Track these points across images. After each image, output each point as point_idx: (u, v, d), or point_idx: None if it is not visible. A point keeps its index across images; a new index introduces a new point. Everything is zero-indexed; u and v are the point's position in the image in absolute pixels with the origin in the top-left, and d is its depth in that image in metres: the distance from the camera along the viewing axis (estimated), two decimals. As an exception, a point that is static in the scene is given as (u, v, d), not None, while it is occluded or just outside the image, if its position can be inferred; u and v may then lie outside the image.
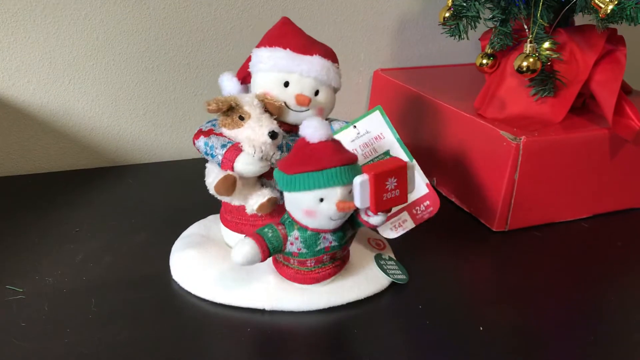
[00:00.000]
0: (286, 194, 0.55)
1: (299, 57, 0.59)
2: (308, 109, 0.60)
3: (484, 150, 0.75)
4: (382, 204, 0.53)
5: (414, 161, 0.63)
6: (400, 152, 0.63)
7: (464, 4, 0.76)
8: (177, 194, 0.78)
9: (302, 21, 0.92)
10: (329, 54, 0.61)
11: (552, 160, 0.73)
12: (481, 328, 0.57)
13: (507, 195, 0.72)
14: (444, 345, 0.55)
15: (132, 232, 0.69)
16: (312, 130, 0.53)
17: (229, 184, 0.56)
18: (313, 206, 0.53)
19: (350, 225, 0.58)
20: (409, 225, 0.63)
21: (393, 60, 1.01)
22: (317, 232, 0.55)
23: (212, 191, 0.58)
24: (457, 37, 0.78)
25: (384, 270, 0.62)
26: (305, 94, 0.59)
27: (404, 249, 0.67)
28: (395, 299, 0.61)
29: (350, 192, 0.53)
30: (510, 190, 0.72)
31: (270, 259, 0.60)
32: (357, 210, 0.56)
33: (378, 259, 0.63)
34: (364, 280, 0.61)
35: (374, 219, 0.56)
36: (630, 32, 0.82)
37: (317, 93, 0.60)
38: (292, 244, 0.56)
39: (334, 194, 0.53)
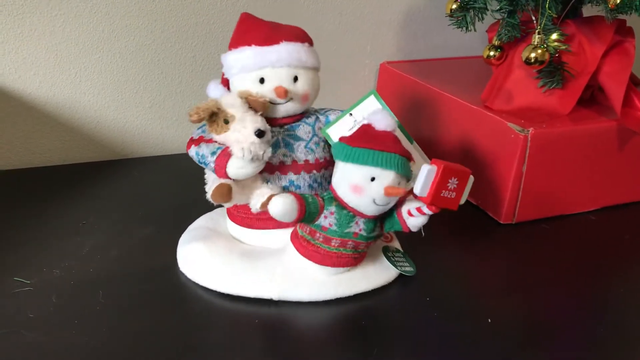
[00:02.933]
0: (340, 165, 0.56)
1: (265, 50, 0.58)
2: (291, 99, 0.59)
3: (491, 143, 0.74)
4: (438, 199, 0.54)
5: (415, 144, 0.63)
6: (400, 136, 0.63)
7: (471, -4, 0.76)
8: (184, 187, 0.78)
9: (308, 14, 0.92)
10: (297, 36, 0.60)
11: (560, 152, 0.73)
12: (489, 320, 0.57)
13: (514, 188, 0.72)
14: (452, 337, 0.55)
15: (138, 224, 0.69)
16: (379, 117, 0.56)
17: (225, 193, 0.56)
18: (363, 182, 0.54)
19: (381, 224, 0.58)
20: None
21: (399, 52, 1.01)
22: (353, 215, 0.56)
23: (210, 200, 0.58)
24: (464, 29, 0.77)
25: (392, 263, 0.62)
26: (283, 84, 0.58)
27: (411, 242, 0.67)
28: (403, 291, 0.61)
29: (399, 183, 0.55)
30: (517, 182, 0.72)
31: (278, 247, 0.60)
32: (396, 207, 0.57)
33: (386, 251, 0.63)
34: (372, 272, 0.61)
35: (414, 220, 0.57)
36: None
37: (296, 79, 0.59)
38: (325, 217, 0.56)
39: (387, 177, 0.54)
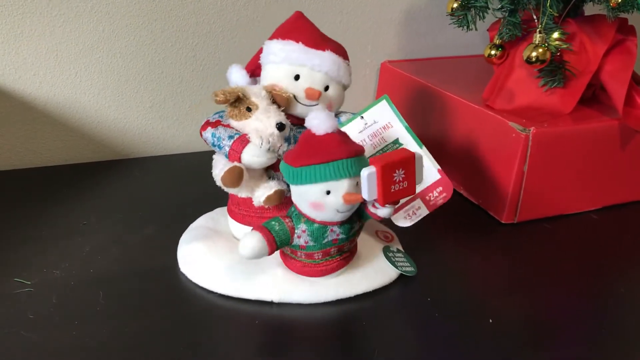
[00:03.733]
0: (293, 187, 0.55)
1: (311, 51, 0.59)
2: (317, 103, 0.60)
3: (492, 142, 0.74)
4: (390, 195, 0.53)
5: (424, 148, 0.63)
6: (409, 140, 0.63)
7: (472, -6, 0.75)
8: (184, 187, 0.78)
9: (309, 12, 0.91)
10: (340, 51, 0.62)
11: (561, 151, 0.73)
12: (490, 320, 0.57)
13: (516, 187, 0.72)
14: (453, 337, 0.55)
15: (139, 224, 0.69)
16: (318, 122, 0.53)
17: (236, 176, 0.56)
18: (320, 199, 0.53)
19: (357, 218, 0.57)
20: (423, 212, 0.63)
21: (400, 51, 1.01)
22: (324, 225, 0.55)
23: (219, 183, 0.58)
24: (465, 28, 0.77)
25: (393, 263, 0.62)
26: (315, 88, 0.59)
27: (412, 241, 0.67)
28: (404, 291, 0.60)
29: (358, 184, 0.53)
30: (519, 182, 0.72)
31: (277, 252, 0.59)
32: (364, 202, 0.56)
33: (386, 251, 0.63)
34: (373, 272, 0.60)
35: (382, 211, 0.55)
36: (641, 22, 0.82)
37: (326, 88, 0.60)
38: (299, 237, 0.56)
39: (341, 186, 0.52)
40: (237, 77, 0.61)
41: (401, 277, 0.62)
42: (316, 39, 0.60)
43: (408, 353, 0.53)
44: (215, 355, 0.51)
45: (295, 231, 0.55)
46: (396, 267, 0.61)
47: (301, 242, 0.56)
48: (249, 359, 0.51)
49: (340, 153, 0.52)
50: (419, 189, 0.59)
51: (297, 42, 0.60)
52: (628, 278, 0.66)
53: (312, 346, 0.53)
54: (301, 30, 0.61)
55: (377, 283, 0.60)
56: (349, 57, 0.63)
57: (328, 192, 0.53)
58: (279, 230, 0.55)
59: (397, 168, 0.53)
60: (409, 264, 0.63)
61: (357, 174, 0.53)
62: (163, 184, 0.79)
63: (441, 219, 0.70)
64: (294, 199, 0.56)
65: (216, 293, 0.58)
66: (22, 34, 0.78)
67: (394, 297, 0.60)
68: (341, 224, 0.56)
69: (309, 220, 0.55)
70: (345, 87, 0.63)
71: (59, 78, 0.82)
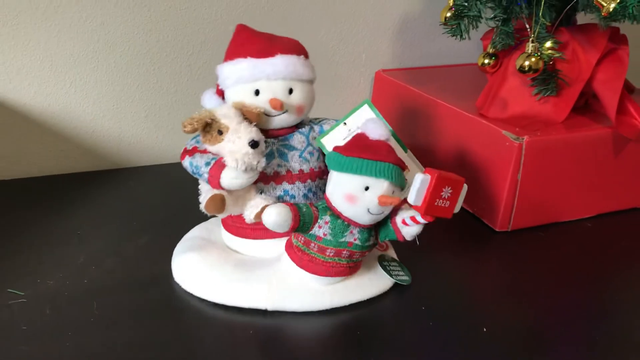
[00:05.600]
0: (334, 175, 0.56)
1: (261, 62, 0.58)
2: (286, 111, 0.59)
3: (486, 150, 0.75)
4: (432, 208, 0.54)
5: (409, 152, 0.63)
6: (394, 144, 0.63)
7: (465, 4, 0.76)
8: (179, 197, 0.78)
9: (303, 22, 0.92)
10: (293, 49, 0.60)
11: (555, 159, 0.73)
12: (485, 329, 0.57)
13: (509, 196, 0.72)
14: (448, 345, 0.55)
15: (133, 234, 0.69)
16: (373, 126, 0.56)
17: (218, 204, 0.56)
18: (357, 192, 0.54)
19: (375, 234, 0.58)
20: None
21: (394, 60, 1.01)
22: (348, 224, 0.56)
23: (204, 210, 0.58)
24: (458, 37, 0.77)
25: (387, 272, 0.62)
26: (278, 97, 0.58)
27: (406, 250, 0.67)
28: (399, 300, 0.60)
29: (394, 192, 0.55)
30: (513, 190, 0.72)
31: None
32: (391, 216, 0.57)
33: (381, 260, 0.63)
34: (367, 281, 0.60)
35: (409, 229, 0.57)
36: (633, 31, 0.82)
37: (291, 91, 0.59)
38: (320, 227, 0.56)
39: (380, 186, 0.54)
40: (210, 103, 0.61)
41: (396, 286, 0.62)
42: (263, 48, 0.58)
43: (402, 362, 0.53)
44: (210, 365, 0.51)
45: (318, 220, 0.56)
46: (391, 275, 0.61)
47: (320, 232, 0.57)
48: (243, 369, 0.51)
49: (389, 158, 0.55)
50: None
51: (245, 57, 0.58)
52: (622, 286, 0.66)
53: (307, 355, 0.53)
54: (246, 43, 0.59)
55: (372, 292, 0.60)
56: (305, 51, 0.61)
57: (367, 188, 0.54)
58: (305, 212, 0.56)
59: (447, 185, 0.54)
60: (403, 273, 0.63)
61: (398, 183, 0.55)
62: (158, 194, 0.79)
63: (435, 228, 0.70)
64: (328, 188, 0.57)
65: (210, 302, 0.58)
66: (16, 44, 0.78)
67: (388, 305, 0.60)
68: (361, 229, 0.56)
69: (335, 214, 0.56)
70: (312, 82, 0.61)
71: (54, 88, 0.82)
